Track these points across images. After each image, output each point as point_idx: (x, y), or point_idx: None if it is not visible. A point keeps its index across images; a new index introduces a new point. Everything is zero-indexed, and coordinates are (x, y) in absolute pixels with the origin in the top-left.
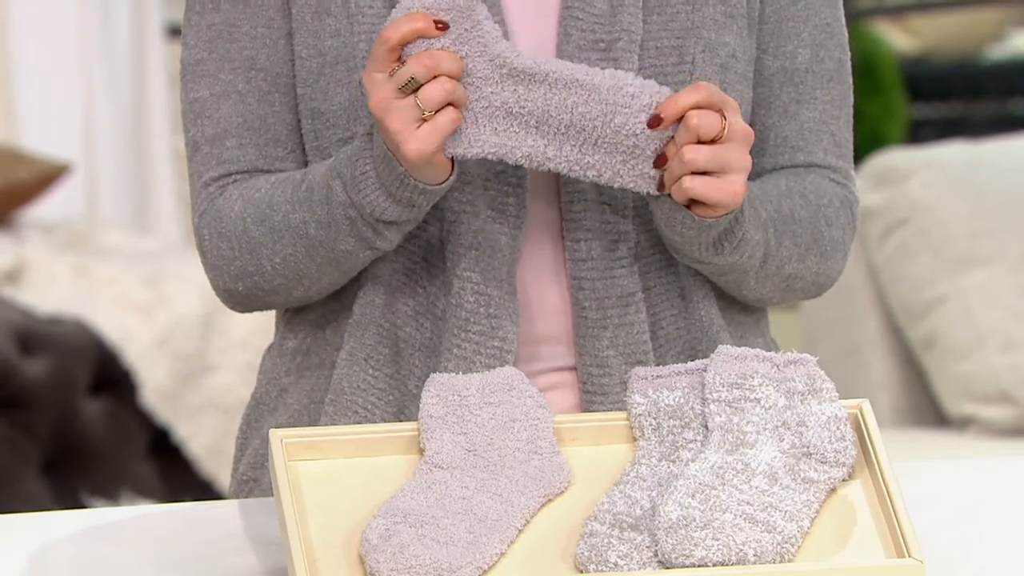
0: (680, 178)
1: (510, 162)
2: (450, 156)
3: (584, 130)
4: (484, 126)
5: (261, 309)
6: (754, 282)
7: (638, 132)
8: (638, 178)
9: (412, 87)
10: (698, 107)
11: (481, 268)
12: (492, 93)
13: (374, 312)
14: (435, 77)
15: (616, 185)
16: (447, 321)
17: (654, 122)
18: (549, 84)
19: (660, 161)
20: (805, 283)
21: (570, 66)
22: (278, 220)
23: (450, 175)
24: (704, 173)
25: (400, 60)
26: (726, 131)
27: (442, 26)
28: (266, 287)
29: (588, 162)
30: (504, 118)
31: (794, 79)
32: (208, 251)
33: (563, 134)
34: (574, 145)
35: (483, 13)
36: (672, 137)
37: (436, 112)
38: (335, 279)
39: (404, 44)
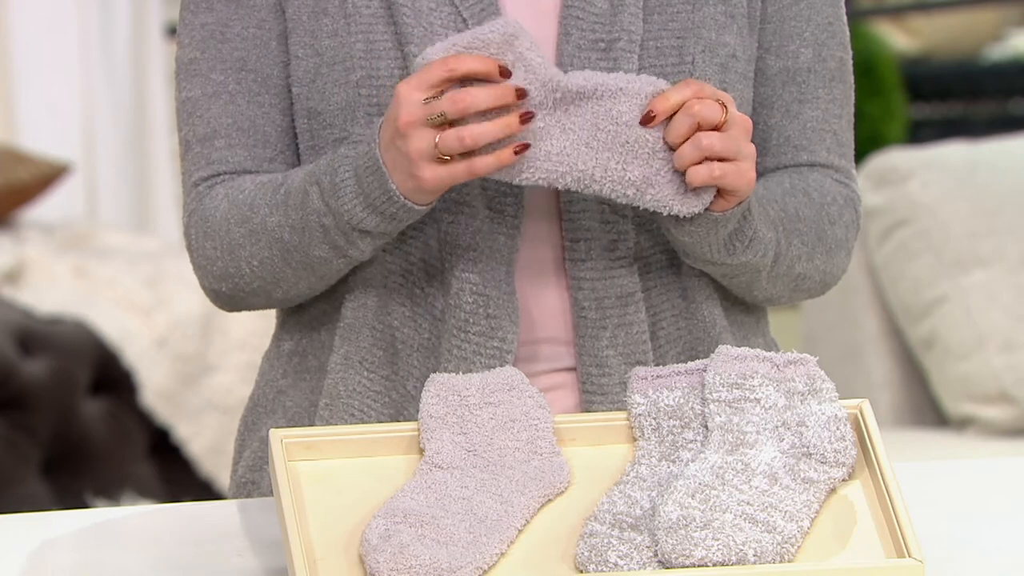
0: (696, 164)
1: (559, 187)
2: (505, 181)
3: (628, 142)
4: (539, 149)
5: (246, 309)
6: (766, 282)
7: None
8: (667, 189)
9: (439, 122)
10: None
11: (479, 269)
12: (547, 114)
13: (367, 315)
14: (459, 121)
15: (647, 200)
16: (446, 322)
17: (646, 119)
18: (597, 97)
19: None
20: (812, 282)
21: (613, 76)
22: (256, 223)
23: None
24: (720, 160)
25: (441, 92)
26: (727, 119)
27: (505, 76)
28: (246, 289)
29: (629, 179)
30: (558, 138)
31: (796, 78)
32: (195, 250)
33: (609, 149)
34: (618, 161)
35: (526, 43)
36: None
37: (453, 158)
38: (312, 284)
39: (466, 79)
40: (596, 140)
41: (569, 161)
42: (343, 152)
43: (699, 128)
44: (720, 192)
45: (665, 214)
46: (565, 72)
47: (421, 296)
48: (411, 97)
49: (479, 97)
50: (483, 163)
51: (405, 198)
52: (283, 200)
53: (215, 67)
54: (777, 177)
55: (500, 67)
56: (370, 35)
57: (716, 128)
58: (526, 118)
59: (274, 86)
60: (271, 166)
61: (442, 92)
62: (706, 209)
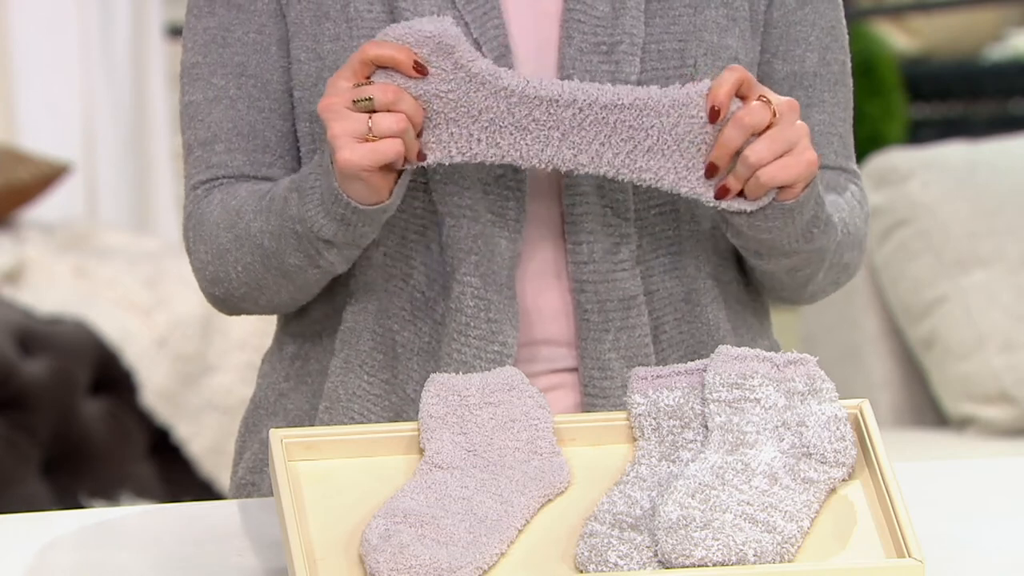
0: (750, 177)
1: (523, 166)
2: (436, 163)
3: (632, 138)
4: (479, 141)
5: (240, 313)
6: (823, 273)
7: (705, 140)
8: (701, 185)
9: (365, 107)
10: (740, 85)
11: (481, 272)
12: (498, 118)
13: (367, 318)
14: (391, 110)
15: (683, 192)
16: (446, 326)
17: (713, 116)
18: (579, 107)
19: (711, 170)
20: (846, 275)
21: (610, 89)
22: (242, 228)
23: (386, 200)
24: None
25: (368, 78)
26: (776, 115)
27: (419, 71)
28: (236, 294)
29: (640, 166)
30: (511, 132)
31: (803, 83)
32: (192, 253)
33: (600, 143)
34: (616, 152)
35: (466, 55)
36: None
37: (382, 138)
38: (292, 293)
39: (379, 65)
40: (577, 135)
41: (529, 149)
42: (318, 159)
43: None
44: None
45: (722, 210)
46: (568, 78)
47: (422, 300)
48: (335, 84)
49: (406, 100)
50: (410, 145)
51: (349, 197)
52: (267, 206)
53: (216, 72)
54: None
55: (416, 63)
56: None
57: (768, 127)
58: (418, 71)
59: (274, 91)
60: (270, 171)
61: (368, 79)
62: (777, 200)
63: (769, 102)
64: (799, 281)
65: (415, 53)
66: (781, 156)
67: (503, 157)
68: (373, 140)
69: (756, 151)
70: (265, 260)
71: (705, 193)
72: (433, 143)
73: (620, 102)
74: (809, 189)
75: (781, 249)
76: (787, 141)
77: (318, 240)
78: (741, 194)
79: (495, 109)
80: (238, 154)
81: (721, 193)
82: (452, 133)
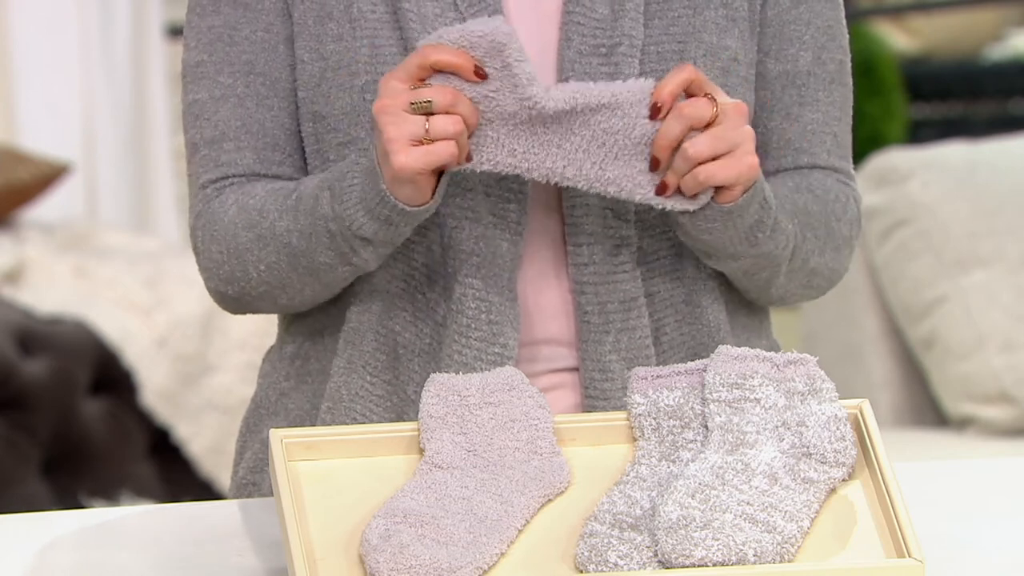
0: (688, 173)
1: (525, 178)
2: (479, 165)
3: (604, 144)
4: (503, 146)
5: (252, 313)
6: (784, 278)
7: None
8: (649, 186)
9: (423, 110)
10: (687, 84)
11: (483, 275)
12: (519, 123)
13: (371, 319)
14: (448, 112)
15: (637, 199)
16: (447, 327)
17: (654, 112)
18: (576, 112)
19: (653, 164)
20: (822, 278)
21: (599, 90)
22: (265, 227)
23: (429, 201)
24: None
25: (423, 81)
26: (719, 111)
27: (480, 77)
28: (253, 293)
29: (608, 177)
30: (526, 139)
31: (796, 82)
32: (201, 253)
33: (584, 151)
34: (594, 162)
35: (515, 54)
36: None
37: (437, 140)
38: (317, 291)
39: (438, 70)
40: (568, 142)
41: (536, 159)
42: (354, 159)
43: (691, 128)
44: (721, 186)
45: (665, 210)
46: (566, 80)
47: (423, 301)
48: (389, 86)
49: (464, 103)
50: (462, 147)
51: (396, 199)
52: (294, 205)
53: (223, 70)
54: (780, 178)
55: (476, 67)
56: (375, 40)
57: (709, 124)
58: (480, 77)
59: (282, 89)
60: (280, 169)
61: (423, 81)
62: (716, 202)
63: (714, 100)
64: (758, 284)
65: (474, 58)
66: (722, 156)
67: (515, 168)
68: (428, 143)
69: (695, 145)
70: (292, 259)
71: (650, 193)
72: (475, 144)
73: (601, 102)
74: (750, 193)
75: (725, 251)
76: (729, 141)
77: (355, 238)
78: (685, 194)
79: (518, 116)
80: (247, 152)
81: (660, 189)
82: (488, 136)
